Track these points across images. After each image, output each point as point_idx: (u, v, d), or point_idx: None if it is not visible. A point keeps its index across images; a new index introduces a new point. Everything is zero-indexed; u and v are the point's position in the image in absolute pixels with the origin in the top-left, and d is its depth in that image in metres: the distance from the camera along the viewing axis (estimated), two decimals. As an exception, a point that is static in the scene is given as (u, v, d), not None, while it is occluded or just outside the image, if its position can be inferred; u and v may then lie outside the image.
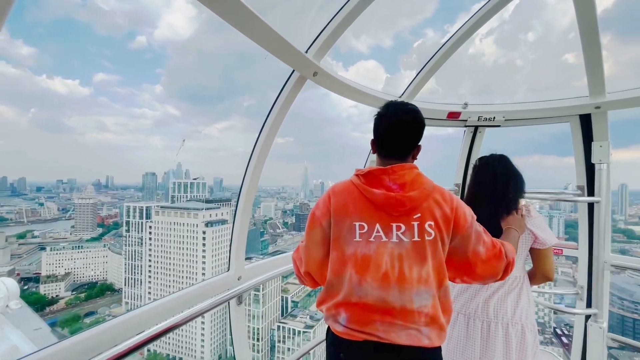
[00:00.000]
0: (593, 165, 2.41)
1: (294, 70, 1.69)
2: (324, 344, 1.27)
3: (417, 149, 1.19)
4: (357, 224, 1.07)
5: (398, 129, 1.13)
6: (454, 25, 2.22)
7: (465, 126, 2.70)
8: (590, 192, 2.45)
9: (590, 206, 2.44)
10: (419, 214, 1.05)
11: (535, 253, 1.50)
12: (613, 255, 2.41)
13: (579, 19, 1.85)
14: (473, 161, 2.95)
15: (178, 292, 1.56)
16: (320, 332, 2.19)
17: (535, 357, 1.45)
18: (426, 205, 1.06)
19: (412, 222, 1.04)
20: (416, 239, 1.04)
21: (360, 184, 1.11)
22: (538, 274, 1.52)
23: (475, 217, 1.13)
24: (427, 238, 1.04)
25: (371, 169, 1.12)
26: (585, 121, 2.38)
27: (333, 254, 1.11)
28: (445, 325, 1.10)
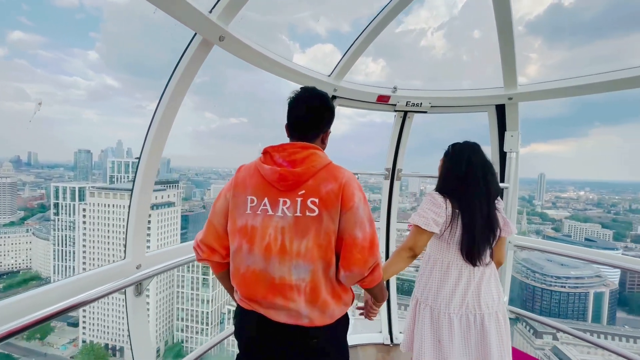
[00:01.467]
0: (505, 153, 2.58)
1: (195, 34, 1.49)
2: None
3: (325, 133, 1.24)
4: (249, 197, 1.13)
5: (299, 111, 1.20)
6: (407, 17, 2.16)
7: (395, 111, 2.72)
8: (502, 179, 2.64)
9: (502, 191, 2.64)
10: (303, 191, 1.09)
11: (498, 240, 1.55)
12: (517, 236, 2.64)
13: (497, 17, 1.98)
14: (403, 145, 3.02)
15: (64, 280, 1.36)
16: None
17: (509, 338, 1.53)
18: (312, 182, 1.09)
19: (297, 198, 1.08)
20: (298, 214, 1.07)
21: (258, 162, 1.16)
22: (496, 259, 1.60)
23: (364, 201, 1.13)
24: (308, 214, 1.07)
25: (268, 147, 1.17)
26: (500, 111, 2.53)
27: (228, 225, 1.17)
28: (334, 308, 1.11)
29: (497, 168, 2.69)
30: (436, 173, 1.73)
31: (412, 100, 2.57)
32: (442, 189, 1.55)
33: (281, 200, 1.10)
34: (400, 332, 2.97)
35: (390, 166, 2.97)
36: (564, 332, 2.41)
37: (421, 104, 2.57)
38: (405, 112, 2.74)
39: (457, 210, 1.48)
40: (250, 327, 1.15)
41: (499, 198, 1.57)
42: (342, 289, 1.15)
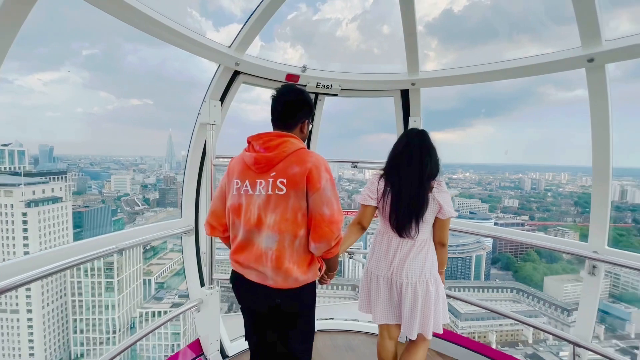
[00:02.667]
0: (409, 138, 2.70)
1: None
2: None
3: (302, 123, 1.42)
4: (235, 180, 1.35)
5: (277, 105, 1.39)
6: (324, 5, 1.99)
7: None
8: (406, 162, 2.77)
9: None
10: (275, 172, 1.27)
11: (436, 221, 1.70)
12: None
13: (401, 3, 2.08)
14: (315, 129, 2.91)
15: None
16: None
17: (439, 303, 1.69)
18: (281, 165, 1.27)
19: (269, 179, 1.27)
20: (270, 192, 1.27)
21: (243, 151, 1.39)
22: (435, 240, 1.74)
23: (332, 181, 1.29)
24: (277, 192, 1.26)
25: (249, 137, 1.37)
26: (405, 97, 2.62)
27: (227, 206, 1.40)
28: (297, 274, 1.29)
29: (402, 152, 2.81)
30: (351, 158, 2.08)
31: (322, 81, 2.46)
32: (383, 168, 1.76)
33: (258, 181, 1.29)
34: (317, 319, 2.96)
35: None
36: (460, 299, 2.69)
37: (331, 85, 2.48)
38: (317, 94, 2.63)
39: (388, 187, 1.69)
40: (236, 284, 1.42)
41: (440, 181, 1.69)
42: (308, 259, 1.33)
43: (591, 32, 1.67)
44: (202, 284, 2.44)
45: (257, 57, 2.19)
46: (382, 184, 1.71)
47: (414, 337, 1.70)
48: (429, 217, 1.67)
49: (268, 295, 1.33)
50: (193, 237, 2.43)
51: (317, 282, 1.52)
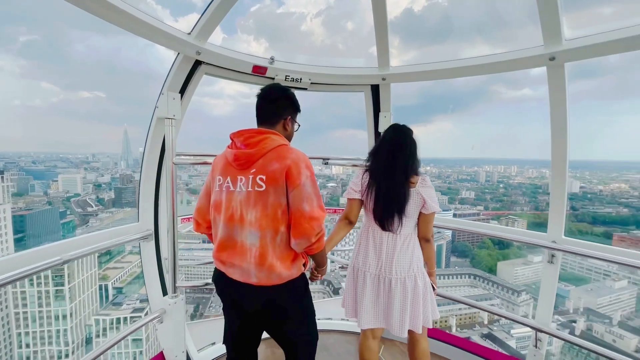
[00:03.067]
0: (380, 133, 2.68)
1: None
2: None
3: (285, 119, 1.41)
4: (217, 177, 1.35)
5: (260, 102, 1.41)
6: None
7: (276, 86, 2.45)
8: (377, 158, 2.75)
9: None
10: (254, 169, 1.27)
11: (420, 217, 1.71)
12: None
13: (374, 3, 2.09)
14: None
15: None
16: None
17: (427, 297, 1.71)
18: (261, 162, 1.27)
19: (249, 175, 1.27)
20: (250, 189, 1.27)
21: (226, 148, 1.39)
22: (420, 235, 1.74)
23: (312, 178, 1.29)
24: (256, 189, 1.26)
25: (231, 134, 1.37)
26: (375, 92, 2.59)
27: (210, 202, 1.40)
28: (280, 270, 1.28)
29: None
30: (319, 154, 2.03)
31: (291, 74, 2.35)
32: (368, 162, 1.77)
33: (239, 177, 1.30)
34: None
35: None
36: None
37: (301, 79, 2.38)
38: (285, 88, 2.51)
39: (372, 182, 1.70)
40: (219, 283, 1.41)
41: (424, 177, 1.70)
42: (291, 255, 1.32)
43: (553, 31, 1.73)
44: (165, 293, 2.25)
45: (220, 46, 2.03)
46: (366, 177, 1.73)
47: (404, 334, 1.68)
48: (412, 211, 1.67)
49: (253, 294, 1.32)
50: (153, 242, 2.23)
51: (308, 279, 1.52)
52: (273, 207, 1.25)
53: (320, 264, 1.52)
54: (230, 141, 1.37)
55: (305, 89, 2.50)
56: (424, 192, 1.67)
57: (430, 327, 1.75)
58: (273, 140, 1.30)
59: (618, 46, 1.60)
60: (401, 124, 1.77)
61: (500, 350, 2.65)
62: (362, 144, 2.92)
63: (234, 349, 1.49)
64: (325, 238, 1.36)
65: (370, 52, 2.47)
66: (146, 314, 2.17)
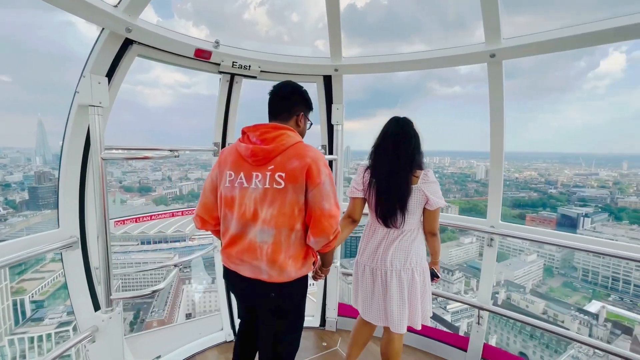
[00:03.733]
0: (332, 126, 2.65)
1: None
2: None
3: (298, 116, 1.41)
4: (227, 172, 1.34)
5: (272, 98, 1.41)
6: None
7: (220, 72, 2.25)
8: (330, 151, 2.73)
9: (330, 162, 2.73)
10: (272, 166, 1.25)
11: (425, 212, 1.68)
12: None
13: None
14: (232, 116, 2.60)
15: None
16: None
17: (426, 294, 1.71)
18: (280, 159, 1.25)
19: (266, 172, 1.25)
20: (267, 186, 1.25)
21: (237, 142, 1.37)
22: (426, 230, 1.72)
23: (330, 176, 1.29)
24: (275, 186, 1.24)
25: (245, 127, 1.36)
26: (328, 83, 2.54)
27: (218, 198, 1.39)
28: (290, 268, 1.29)
29: (325, 140, 2.75)
30: None
31: (239, 61, 2.18)
32: (369, 159, 1.74)
33: (254, 174, 1.27)
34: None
35: (220, 140, 2.53)
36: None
37: (250, 66, 2.22)
38: (232, 76, 2.33)
39: (373, 178, 1.69)
40: (230, 280, 1.44)
41: (427, 171, 1.65)
42: (303, 253, 1.34)
43: (493, 30, 1.84)
44: (97, 308, 1.96)
45: (157, 25, 1.78)
46: (367, 175, 1.71)
47: (403, 330, 1.67)
48: (414, 207, 1.64)
49: (263, 289, 1.32)
50: (79, 251, 1.92)
51: (310, 276, 1.55)
52: (291, 205, 1.25)
53: (327, 263, 1.55)
54: (242, 135, 1.35)
55: (255, 77, 2.35)
56: (425, 189, 1.62)
57: (428, 324, 1.74)
58: (290, 137, 1.29)
59: (550, 46, 1.76)
60: (401, 116, 1.71)
61: (441, 327, 2.83)
62: (314, 136, 2.88)
63: (244, 325, 1.61)
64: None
65: (315, 45, 2.43)
66: (74, 328, 1.87)
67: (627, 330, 10.07)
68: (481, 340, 2.30)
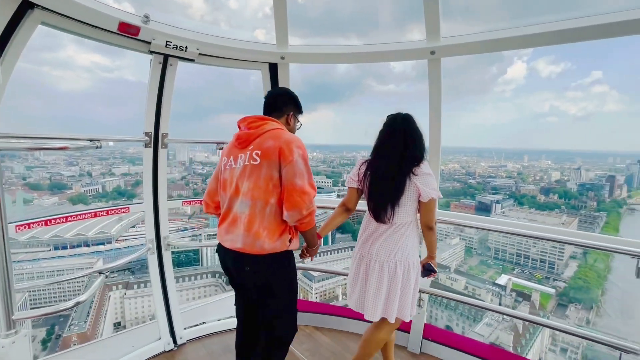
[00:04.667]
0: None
1: None
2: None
3: (288, 115, 1.62)
4: (224, 158, 1.54)
5: (266, 98, 1.63)
6: None
7: (151, 52, 1.99)
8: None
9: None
10: (252, 146, 1.44)
11: (419, 205, 1.66)
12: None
13: None
14: (166, 102, 2.32)
15: None
16: None
17: (407, 290, 1.67)
18: (259, 140, 1.44)
19: (247, 152, 1.44)
20: (246, 163, 1.43)
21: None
22: (422, 223, 1.72)
23: (304, 157, 1.41)
24: (252, 162, 1.41)
25: (238, 120, 1.55)
26: (273, 72, 2.43)
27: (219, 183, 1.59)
28: (265, 239, 1.40)
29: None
30: (205, 138, 2.13)
31: (174, 41, 1.95)
32: (372, 153, 1.74)
33: (240, 155, 1.47)
34: (185, 328, 2.53)
35: (152, 130, 2.26)
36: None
37: (186, 47, 2.00)
38: (166, 57, 2.08)
39: (368, 172, 1.69)
40: (219, 252, 1.57)
41: (424, 164, 1.64)
42: (279, 229, 1.43)
43: (434, 29, 1.94)
44: (-6, 332, 1.60)
45: (67, -12, 1.48)
46: (364, 168, 1.73)
47: (376, 319, 1.69)
48: (405, 200, 1.62)
49: (238, 260, 1.45)
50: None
51: (298, 256, 1.64)
52: (265, 180, 1.38)
53: (311, 244, 1.68)
54: (238, 129, 1.53)
55: (193, 60, 2.13)
56: (417, 181, 1.60)
57: (406, 320, 1.73)
58: (271, 124, 1.47)
59: (486, 46, 1.92)
60: (403, 112, 1.71)
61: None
62: None
63: (240, 314, 1.70)
64: (318, 219, 1.51)
65: (255, 35, 2.31)
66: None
67: (527, 297, 12.01)
68: (422, 322, 2.47)
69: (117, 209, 2.30)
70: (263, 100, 1.64)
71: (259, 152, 1.40)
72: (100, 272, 2.04)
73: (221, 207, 1.56)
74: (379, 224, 1.68)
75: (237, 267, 1.49)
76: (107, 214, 2.26)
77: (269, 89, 2.49)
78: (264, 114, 1.59)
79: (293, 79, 2.49)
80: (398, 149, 1.63)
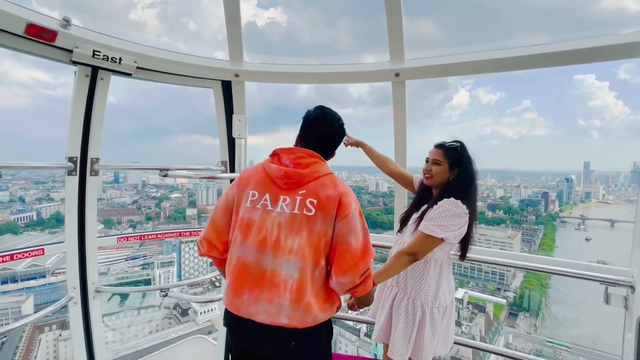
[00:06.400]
0: (234, 139, 2.31)
1: None
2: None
3: (332, 155, 1.35)
4: (250, 191, 1.19)
5: (319, 130, 1.28)
6: None
7: (74, 62, 1.66)
8: (232, 168, 2.37)
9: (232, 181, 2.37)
10: (304, 191, 1.15)
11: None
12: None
13: None
14: (96, 122, 1.96)
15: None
16: None
17: (424, 331, 1.47)
18: (313, 185, 1.16)
19: (296, 197, 1.14)
20: (296, 211, 1.13)
21: (266, 162, 1.24)
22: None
23: (360, 213, 1.18)
24: (305, 213, 1.13)
25: (278, 149, 1.25)
26: (227, 90, 2.20)
27: (232, 221, 1.22)
28: (317, 311, 1.12)
29: (225, 156, 2.38)
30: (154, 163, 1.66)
31: (104, 50, 1.65)
32: (460, 194, 1.46)
33: (282, 197, 1.16)
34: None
35: (77, 155, 1.89)
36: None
37: (120, 60, 1.71)
38: (95, 70, 1.76)
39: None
40: (237, 328, 1.18)
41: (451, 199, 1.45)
42: (328, 294, 1.18)
43: (398, 51, 1.87)
44: None
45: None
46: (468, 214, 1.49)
47: (379, 341, 1.61)
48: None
49: (281, 338, 1.12)
50: None
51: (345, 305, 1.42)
52: (318, 236, 1.13)
53: (366, 304, 1.41)
54: (272, 156, 1.25)
55: (129, 74, 1.83)
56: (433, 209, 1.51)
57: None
58: (323, 166, 1.23)
59: (450, 70, 1.87)
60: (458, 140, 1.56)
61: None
62: (209, 150, 2.52)
63: None
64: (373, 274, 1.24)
65: (214, 57, 2.12)
66: None
67: (482, 309, 12.47)
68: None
69: (26, 252, 1.85)
70: (307, 119, 1.31)
71: (314, 202, 1.13)
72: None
73: (231, 251, 1.21)
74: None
75: (275, 345, 1.13)
76: (12, 258, 1.80)
77: (223, 110, 2.25)
78: (308, 142, 1.27)
79: (252, 101, 2.29)
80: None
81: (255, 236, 1.14)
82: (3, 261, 1.77)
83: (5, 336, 1.61)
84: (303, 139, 1.29)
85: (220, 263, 1.30)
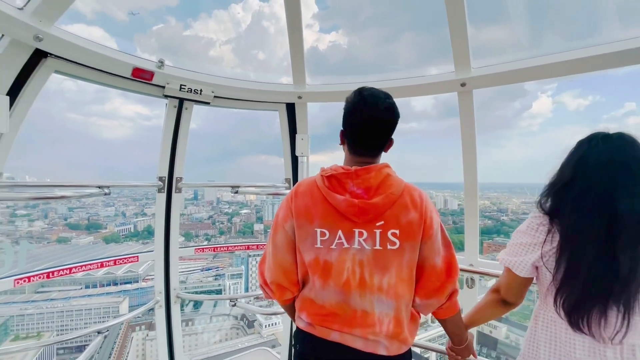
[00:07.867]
0: (297, 157, 2.42)
1: None
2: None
3: (390, 143, 1.09)
4: (318, 230, 1.01)
5: (373, 127, 1.02)
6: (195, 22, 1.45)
7: (165, 96, 1.95)
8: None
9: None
10: (382, 222, 0.98)
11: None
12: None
13: (287, 13, 1.94)
14: (181, 146, 2.28)
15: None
16: None
17: None
18: (390, 212, 0.98)
19: (375, 230, 0.98)
20: (377, 247, 0.99)
21: (323, 188, 1.02)
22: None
23: (441, 225, 1.04)
24: (389, 247, 0.98)
25: (335, 172, 1.02)
26: (291, 111, 2.34)
27: (299, 258, 1.06)
28: (408, 335, 1.04)
29: (289, 173, 2.50)
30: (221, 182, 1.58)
31: (188, 84, 1.91)
32: (549, 208, 1.01)
33: (357, 231, 0.99)
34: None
35: (166, 175, 2.18)
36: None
37: (201, 91, 1.96)
38: (181, 101, 2.04)
39: (566, 245, 0.93)
40: (321, 352, 1.04)
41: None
42: (413, 315, 1.09)
43: (463, 60, 1.78)
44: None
45: (79, 36, 1.48)
46: (554, 237, 0.98)
47: None
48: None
49: None
50: None
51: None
52: (409, 268, 1.01)
53: (456, 335, 1.17)
54: (328, 178, 1.01)
55: (208, 103, 2.08)
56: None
57: None
58: (395, 179, 1.01)
59: (524, 75, 1.71)
60: (614, 132, 0.97)
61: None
62: (274, 169, 2.64)
63: None
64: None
65: (280, 82, 2.30)
66: None
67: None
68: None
69: (125, 258, 2.17)
70: (349, 111, 1.05)
71: (397, 232, 0.97)
72: (99, 332, 1.86)
73: (309, 292, 1.07)
74: (578, 344, 0.94)
75: None
76: (115, 263, 2.13)
77: (287, 131, 2.38)
78: (373, 148, 1.06)
79: (316, 121, 2.40)
80: (612, 207, 0.89)
81: (337, 278, 1.00)
82: (109, 265, 2.10)
83: (107, 330, 1.87)
84: (350, 136, 1.06)
85: (288, 301, 1.15)
